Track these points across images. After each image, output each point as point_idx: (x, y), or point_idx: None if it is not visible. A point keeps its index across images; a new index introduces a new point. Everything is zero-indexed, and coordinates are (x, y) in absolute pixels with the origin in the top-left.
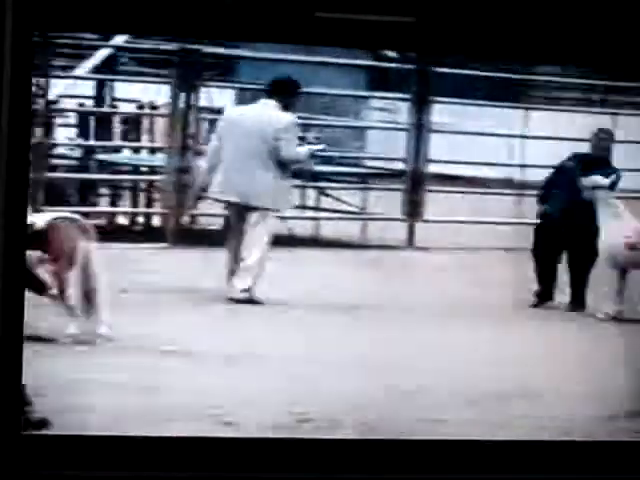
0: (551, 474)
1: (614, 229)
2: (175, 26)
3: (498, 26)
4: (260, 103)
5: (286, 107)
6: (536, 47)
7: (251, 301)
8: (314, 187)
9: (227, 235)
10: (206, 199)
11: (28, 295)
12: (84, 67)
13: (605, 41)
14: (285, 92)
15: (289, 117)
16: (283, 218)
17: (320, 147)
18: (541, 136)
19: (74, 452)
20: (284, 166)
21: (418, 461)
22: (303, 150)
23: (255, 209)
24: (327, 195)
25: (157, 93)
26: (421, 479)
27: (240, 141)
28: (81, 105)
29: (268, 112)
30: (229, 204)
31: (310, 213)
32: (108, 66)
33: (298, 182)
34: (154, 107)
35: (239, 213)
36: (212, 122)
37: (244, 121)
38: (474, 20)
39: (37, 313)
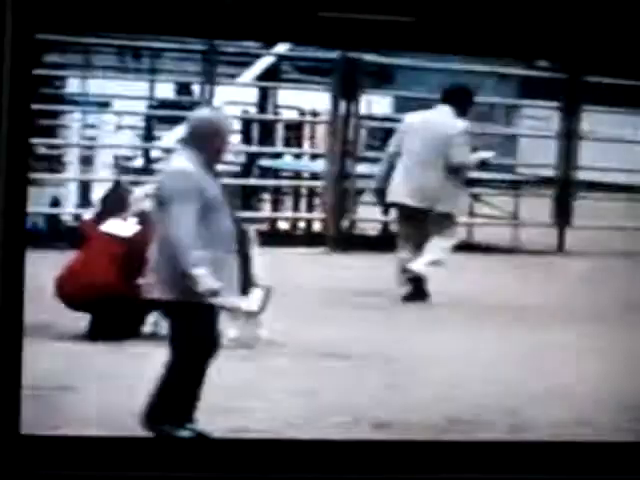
0: (552, 474)
1: None
2: (174, 25)
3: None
4: (436, 109)
5: (460, 113)
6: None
7: (418, 281)
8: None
9: (401, 236)
10: (366, 204)
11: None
12: (248, 75)
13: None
14: (460, 99)
15: (463, 123)
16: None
17: (490, 155)
18: None
19: (74, 452)
20: (455, 171)
21: (421, 461)
22: (474, 157)
23: (433, 212)
24: (480, 201)
25: (318, 100)
26: (425, 479)
27: (418, 146)
28: (245, 112)
29: (443, 118)
30: (404, 208)
31: (465, 219)
32: (271, 74)
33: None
34: (315, 114)
35: (414, 217)
36: (372, 129)
37: (421, 127)
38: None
39: None
